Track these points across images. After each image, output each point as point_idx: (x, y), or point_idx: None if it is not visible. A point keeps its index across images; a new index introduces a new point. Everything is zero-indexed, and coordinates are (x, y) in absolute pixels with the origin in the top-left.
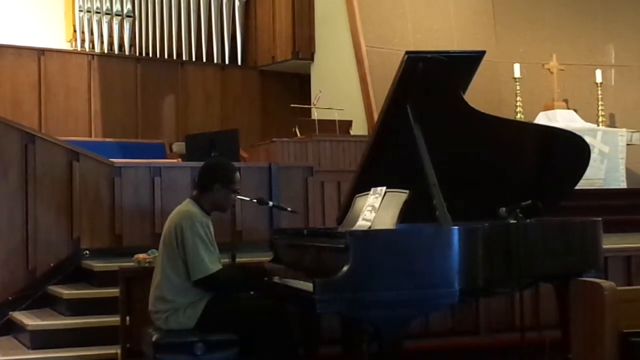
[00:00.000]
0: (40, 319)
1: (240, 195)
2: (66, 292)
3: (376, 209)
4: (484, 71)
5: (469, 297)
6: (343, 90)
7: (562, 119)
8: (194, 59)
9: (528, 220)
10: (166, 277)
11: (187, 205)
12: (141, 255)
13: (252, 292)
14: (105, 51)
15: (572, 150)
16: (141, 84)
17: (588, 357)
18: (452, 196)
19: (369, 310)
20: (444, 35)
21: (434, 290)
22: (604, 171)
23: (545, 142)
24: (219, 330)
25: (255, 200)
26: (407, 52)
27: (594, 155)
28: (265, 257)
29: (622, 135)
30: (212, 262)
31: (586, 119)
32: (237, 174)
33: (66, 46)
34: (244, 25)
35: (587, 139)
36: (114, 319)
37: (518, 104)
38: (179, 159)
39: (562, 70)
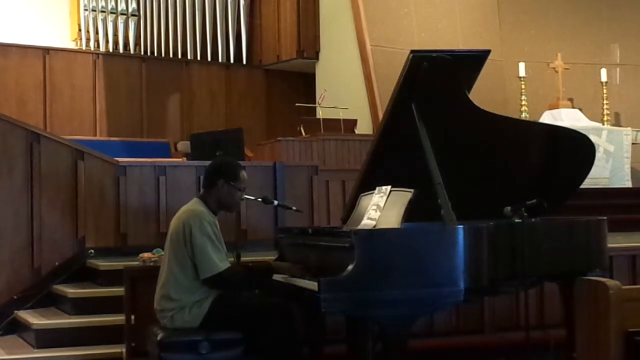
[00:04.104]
0: (46, 318)
1: (245, 194)
2: (71, 291)
3: (381, 208)
4: (489, 70)
5: (474, 296)
6: (348, 89)
7: (567, 118)
8: (198, 58)
9: (533, 220)
10: (173, 275)
11: (194, 205)
12: (146, 254)
13: (257, 291)
14: (110, 50)
15: (577, 149)
16: (146, 83)
17: (593, 356)
18: (457, 195)
19: (374, 309)
20: (448, 34)
21: (439, 289)
22: (609, 170)
23: (550, 141)
24: (224, 329)
25: (260, 199)
26: (412, 51)
27: (599, 154)
28: (270, 256)
29: (627, 134)
30: (221, 260)
31: (591, 118)
32: (243, 172)
33: (71, 45)
34: (249, 25)
35: (592, 138)
36: (119, 318)
37: (523, 103)
38: (184, 158)
39: (567, 69)
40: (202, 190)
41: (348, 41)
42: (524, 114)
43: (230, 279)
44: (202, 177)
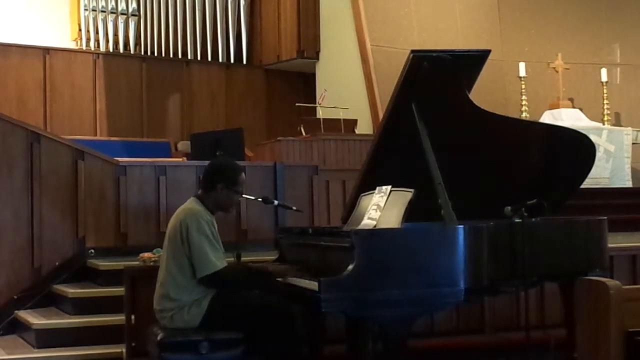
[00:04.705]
0: (46, 318)
1: (246, 194)
2: (71, 291)
3: (381, 208)
4: (489, 70)
5: (474, 296)
6: (348, 89)
7: (568, 117)
8: (199, 58)
9: (533, 219)
10: (171, 275)
11: (191, 204)
12: (146, 254)
13: (257, 291)
14: (111, 50)
15: (578, 149)
16: (146, 83)
17: (593, 356)
18: (457, 195)
19: (374, 310)
20: (449, 34)
21: (439, 289)
22: (609, 170)
23: (550, 141)
24: (224, 329)
25: (260, 199)
26: (412, 51)
27: (599, 154)
28: (270, 256)
29: (627, 134)
30: (218, 259)
31: (591, 117)
32: (243, 175)
33: (71, 45)
34: (249, 24)
35: (593, 138)
36: (119, 318)
37: (523, 102)
38: (184, 158)
39: (568, 69)
40: (200, 190)
41: (348, 41)
42: (524, 114)
43: (226, 278)
44: (201, 177)
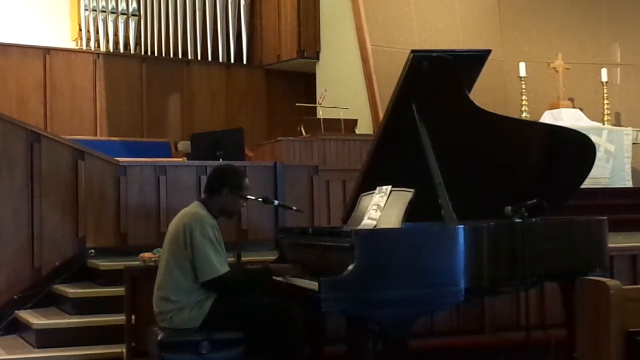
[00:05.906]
0: (46, 317)
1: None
2: (72, 291)
3: (381, 207)
4: (490, 70)
5: (474, 296)
6: (348, 89)
7: (568, 117)
8: (199, 58)
9: (533, 219)
10: (171, 276)
11: (195, 208)
12: (146, 254)
13: (257, 291)
14: (111, 50)
15: (578, 149)
16: (146, 83)
17: (593, 356)
18: (457, 195)
19: (374, 309)
20: (449, 34)
21: (439, 289)
22: (609, 170)
23: (550, 141)
24: (224, 329)
25: (260, 199)
26: (412, 51)
27: (599, 154)
28: (270, 256)
29: (627, 134)
30: (221, 264)
31: (592, 117)
32: (247, 180)
33: (71, 45)
34: (250, 24)
35: (593, 138)
36: (119, 318)
37: (523, 102)
38: (184, 158)
39: (568, 69)
40: (204, 194)
41: (348, 41)
42: (524, 113)
43: (229, 283)
44: (205, 182)
